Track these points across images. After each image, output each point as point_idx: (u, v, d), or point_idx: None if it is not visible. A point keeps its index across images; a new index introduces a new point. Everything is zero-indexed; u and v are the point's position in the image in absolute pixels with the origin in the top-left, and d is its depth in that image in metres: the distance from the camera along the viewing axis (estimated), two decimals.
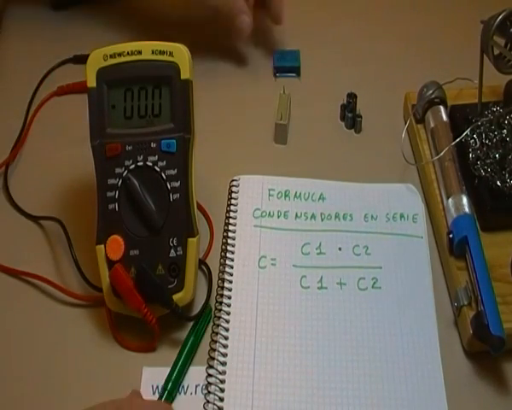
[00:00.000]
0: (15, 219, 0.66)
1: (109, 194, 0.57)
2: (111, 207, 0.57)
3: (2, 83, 0.77)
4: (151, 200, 0.57)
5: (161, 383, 0.55)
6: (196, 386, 0.55)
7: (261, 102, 0.74)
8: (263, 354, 0.56)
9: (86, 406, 0.54)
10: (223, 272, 0.61)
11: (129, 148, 0.57)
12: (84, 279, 0.60)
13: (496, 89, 0.70)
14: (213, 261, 0.62)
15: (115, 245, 0.56)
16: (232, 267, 0.61)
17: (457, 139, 0.65)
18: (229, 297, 0.59)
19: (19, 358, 0.57)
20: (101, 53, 0.57)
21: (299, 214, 0.65)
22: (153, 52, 0.57)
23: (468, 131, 0.65)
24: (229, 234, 0.63)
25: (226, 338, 0.57)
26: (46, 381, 0.56)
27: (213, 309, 0.59)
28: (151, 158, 0.57)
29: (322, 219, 0.65)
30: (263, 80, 0.77)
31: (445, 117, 0.68)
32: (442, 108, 0.69)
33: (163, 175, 0.57)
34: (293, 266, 0.62)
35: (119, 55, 0.57)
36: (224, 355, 0.56)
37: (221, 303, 0.59)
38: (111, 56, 0.57)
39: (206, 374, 0.55)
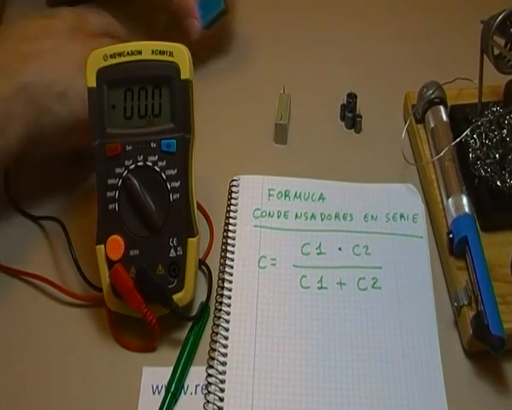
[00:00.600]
0: (15, 218, 0.66)
1: (109, 194, 0.57)
2: (111, 207, 0.57)
3: None
4: (151, 200, 0.57)
5: (161, 383, 0.55)
6: (196, 386, 0.55)
7: (261, 102, 0.74)
8: (263, 354, 0.56)
9: (86, 406, 0.55)
10: (223, 272, 0.61)
11: (129, 148, 0.57)
12: (84, 279, 0.60)
13: (496, 89, 0.70)
14: (213, 261, 0.62)
15: (115, 245, 0.56)
16: (232, 267, 0.61)
17: (457, 139, 0.65)
18: (229, 297, 0.59)
19: (18, 358, 0.57)
20: (101, 53, 0.57)
21: (299, 214, 0.65)
22: (153, 52, 0.57)
23: (468, 131, 0.65)
24: (229, 234, 0.63)
25: (226, 338, 0.57)
26: (46, 381, 0.56)
27: (213, 309, 0.59)
28: (151, 158, 0.57)
29: (322, 219, 0.65)
30: (263, 80, 0.77)
31: (445, 117, 0.68)
32: (442, 108, 0.69)
33: (163, 175, 0.57)
34: (293, 266, 0.62)
35: (119, 55, 0.57)
36: (224, 355, 0.56)
37: (221, 303, 0.59)
38: (111, 56, 0.57)
39: (206, 374, 0.55)
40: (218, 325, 0.58)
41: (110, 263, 0.56)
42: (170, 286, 0.56)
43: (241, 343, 0.57)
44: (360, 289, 0.60)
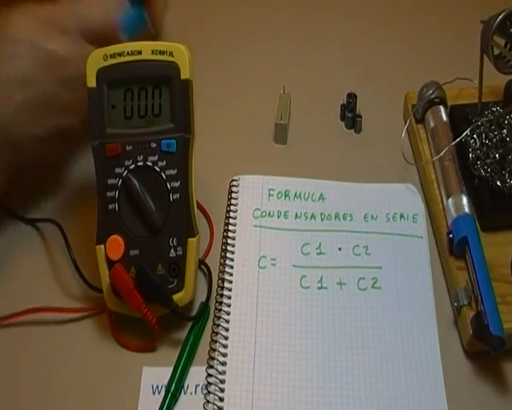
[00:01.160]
0: (10, 221, 0.66)
1: (109, 194, 0.57)
2: (111, 207, 0.57)
3: None
4: (151, 200, 0.57)
5: (161, 383, 0.55)
6: (196, 386, 0.55)
7: (261, 102, 0.74)
8: (263, 354, 0.56)
9: (86, 406, 0.55)
10: (223, 272, 0.61)
11: (129, 148, 0.57)
12: (83, 280, 0.60)
13: (496, 89, 0.70)
14: (213, 261, 0.62)
15: (115, 245, 0.56)
16: (232, 267, 0.61)
17: (457, 139, 0.65)
18: (229, 297, 0.59)
19: (18, 357, 0.57)
20: (101, 53, 0.57)
21: (299, 214, 0.65)
22: (153, 52, 0.57)
23: (468, 131, 0.65)
24: (229, 234, 0.63)
25: (226, 338, 0.57)
26: (46, 381, 0.56)
27: (213, 309, 0.59)
28: (151, 158, 0.57)
29: (322, 219, 0.65)
30: (263, 80, 0.77)
31: (445, 117, 0.68)
32: (442, 108, 0.69)
33: (163, 175, 0.57)
34: (293, 266, 0.62)
35: (119, 55, 0.57)
36: (224, 355, 0.56)
37: (221, 303, 0.59)
38: (111, 56, 0.57)
39: (206, 374, 0.55)
40: (218, 325, 0.58)
41: (110, 263, 0.56)
42: (170, 286, 0.56)
43: (241, 343, 0.57)
44: (360, 289, 0.60)
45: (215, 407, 0.54)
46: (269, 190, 0.66)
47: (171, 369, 0.56)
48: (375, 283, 0.61)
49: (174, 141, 0.57)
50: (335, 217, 0.65)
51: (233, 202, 0.65)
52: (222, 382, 0.55)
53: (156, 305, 0.56)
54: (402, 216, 0.65)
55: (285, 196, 0.66)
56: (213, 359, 0.56)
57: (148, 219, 0.56)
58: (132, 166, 0.57)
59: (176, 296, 0.56)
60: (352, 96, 0.73)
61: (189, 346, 0.57)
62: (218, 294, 0.60)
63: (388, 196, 0.66)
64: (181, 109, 0.57)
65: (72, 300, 0.60)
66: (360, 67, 0.78)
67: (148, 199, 0.57)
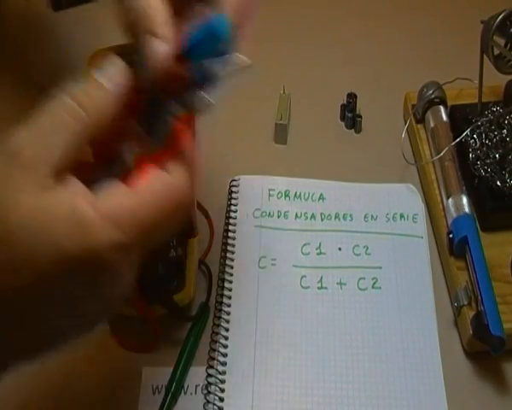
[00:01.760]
0: None
1: None
2: None
3: (1, 82, 0.77)
4: None
5: (161, 383, 0.55)
6: (196, 386, 0.55)
7: (261, 102, 0.74)
8: (263, 354, 0.56)
9: (87, 406, 0.54)
10: (223, 272, 0.61)
11: None
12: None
13: (496, 89, 0.70)
14: (213, 261, 0.62)
15: None
16: (232, 267, 0.61)
17: (457, 139, 0.65)
18: (230, 297, 0.59)
19: None
20: (101, 53, 0.57)
21: (299, 214, 0.65)
22: None
23: (468, 131, 0.65)
24: (229, 234, 0.63)
25: (226, 338, 0.57)
26: (46, 380, 0.56)
27: (213, 309, 0.59)
28: None
29: (322, 219, 0.65)
30: (263, 80, 0.77)
31: (445, 117, 0.68)
32: (442, 108, 0.69)
33: None
34: (293, 266, 0.62)
35: (119, 55, 0.57)
36: (224, 355, 0.56)
37: (221, 303, 0.59)
38: None
39: (206, 374, 0.55)
40: (218, 325, 0.58)
41: None
42: (170, 286, 0.56)
43: (241, 343, 0.57)
44: (360, 289, 0.60)
45: (215, 407, 0.54)
46: (269, 190, 0.66)
47: (171, 369, 0.56)
48: (375, 283, 0.61)
49: None
50: (335, 217, 0.65)
51: (233, 202, 0.65)
52: (222, 382, 0.55)
53: (156, 305, 0.56)
54: (402, 216, 0.65)
55: (285, 196, 0.66)
56: (213, 359, 0.56)
57: None
58: None
59: (176, 296, 0.56)
60: (352, 96, 0.73)
61: (188, 346, 0.57)
62: (218, 294, 0.60)
63: (388, 196, 0.66)
64: None
65: None
66: (360, 67, 0.78)
67: None
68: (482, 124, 0.66)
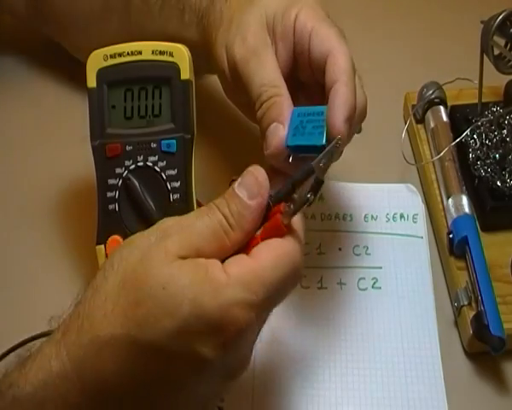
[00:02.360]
0: (15, 219, 0.66)
1: (109, 194, 0.57)
2: (111, 207, 0.57)
3: (1, 83, 0.77)
4: (151, 200, 0.56)
5: None
6: None
7: None
8: (263, 354, 0.56)
9: None
10: None
11: (129, 148, 0.57)
12: None
13: (496, 89, 0.70)
14: None
15: (115, 245, 0.56)
16: None
17: (457, 139, 0.65)
18: None
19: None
20: (102, 53, 0.57)
21: None
22: (153, 52, 0.57)
23: (468, 132, 0.65)
24: None
25: None
26: None
27: None
28: (151, 158, 0.57)
29: (322, 219, 0.65)
30: None
31: (445, 117, 0.68)
32: (442, 108, 0.69)
33: (163, 175, 0.57)
34: None
35: (119, 55, 0.57)
36: None
37: None
38: (111, 56, 0.57)
39: None
40: None
41: None
42: None
43: None
44: (360, 289, 0.60)
45: (216, 407, 0.54)
46: None
47: None
48: (375, 283, 0.61)
49: (174, 141, 0.57)
50: (335, 217, 0.65)
51: None
52: None
53: None
54: (402, 216, 0.65)
55: None
56: None
57: (148, 219, 0.56)
58: (132, 166, 0.57)
59: None
60: None
61: None
62: None
63: (388, 196, 0.66)
64: (181, 109, 0.57)
65: None
66: (360, 67, 0.78)
67: (148, 199, 0.56)
68: (482, 124, 0.66)
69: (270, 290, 0.41)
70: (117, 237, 0.56)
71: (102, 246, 0.57)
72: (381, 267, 0.62)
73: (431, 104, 0.69)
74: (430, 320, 0.59)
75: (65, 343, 0.41)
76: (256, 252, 0.41)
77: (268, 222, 0.43)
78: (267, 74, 0.51)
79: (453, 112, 0.69)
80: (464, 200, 0.62)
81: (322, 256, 0.62)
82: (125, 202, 0.57)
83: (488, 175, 0.63)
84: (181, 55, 0.57)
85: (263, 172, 0.45)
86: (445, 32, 0.82)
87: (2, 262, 0.63)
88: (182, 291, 0.39)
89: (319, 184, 0.43)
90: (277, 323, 0.58)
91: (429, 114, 0.69)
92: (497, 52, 0.64)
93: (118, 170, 0.57)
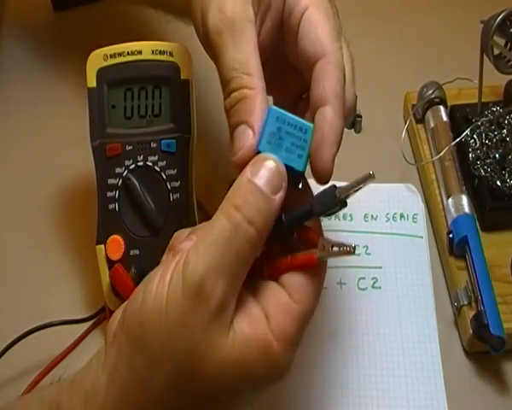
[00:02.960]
0: (15, 218, 0.66)
1: (109, 194, 0.57)
2: (111, 207, 0.57)
3: (1, 83, 0.77)
4: (151, 200, 0.57)
5: None
6: None
7: None
8: None
9: None
10: None
11: (129, 148, 0.57)
12: None
13: (496, 89, 0.70)
14: None
15: (115, 245, 0.56)
16: None
17: (457, 139, 0.65)
18: None
19: (17, 356, 0.57)
20: (102, 53, 0.57)
21: None
22: (153, 52, 0.57)
23: (468, 131, 0.65)
24: None
25: None
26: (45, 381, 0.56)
27: None
28: (151, 158, 0.57)
29: (322, 219, 0.64)
30: None
31: (445, 117, 0.68)
32: (442, 108, 0.69)
33: (163, 175, 0.57)
34: None
35: (119, 55, 0.57)
36: None
37: None
38: (111, 56, 0.57)
39: None
40: None
41: (110, 263, 0.56)
42: None
43: None
44: (360, 289, 0.60)
45: None
46: None
47: None
48: (375, 283, 0.61)
49: (174, 141, 0.57)
50: (335, 217, 0.65)
51: None
52: None
53: None
54: (402, 216, 0.65)
55: None
56: None
57: (148, 219, 0.56)
58: (132, 166, 0.57)
59: None
60: None
61: None
62: None
63: (388, 196, 0.66)
64: (181, 109, 0.57)
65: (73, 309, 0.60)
66: (360, 67, 0.78)
67: (148, 199, 0.57)
68: (482, 124, 0.66)
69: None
70: (117, 236, 0.56)
71: (102, 246, 0.57)
72: (380, 267, 0.62)
73: (431, 104, 0.69)
74: (430, 320, 0.59)
75: None
76: (297, 295, 0.41)
77: (303, 256, 0.42)
78: (241, 56, 0.43)
79: (453, 112, 0.69)
80: (464, 200, 0.62)
81: None
82: (125, 201, 0.57)
83: (488, 175, 0.63)
84: (181, 55, 0.57)
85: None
86: (445, 32, 0.82)
87: (2, 262, 0.63)
88: (240, 378, 0.39)
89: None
90: None
91: (429, 113, 0.69)
92: (497, 52, 0.64)
93: (118, 170, 0.57)
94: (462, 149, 0.65)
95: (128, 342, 0.39)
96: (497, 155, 0.64)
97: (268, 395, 0.54)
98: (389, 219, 0.65)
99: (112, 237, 0.56)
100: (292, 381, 0.55)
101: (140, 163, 0.57)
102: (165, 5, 0.76)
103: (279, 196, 0.40)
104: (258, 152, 0.42)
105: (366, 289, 0.60)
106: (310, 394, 0.55)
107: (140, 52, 0.57)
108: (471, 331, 0.56)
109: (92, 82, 0.57)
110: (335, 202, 0.42)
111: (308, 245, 0.42)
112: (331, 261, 0.62)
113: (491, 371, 0.56)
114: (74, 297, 0.61)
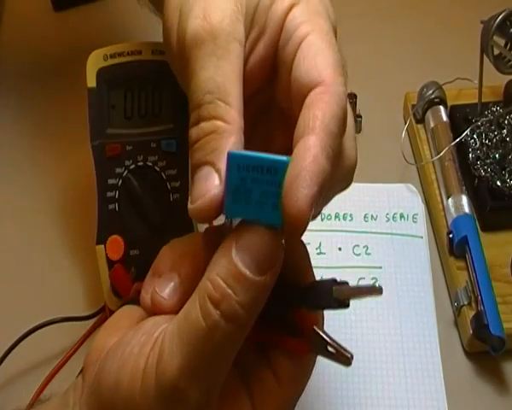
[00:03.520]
0: (15, 218, 0.66)
1: (109, 194, 0.57)
2: (111, 207, 0.57)
3: (1, 83, 0.77)
4: (151, 200, 0.57)
5: None
6: None
7: None
8: None
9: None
10: None
11: (129, 148, 0.57)
12: None
13: (496, 89, 0.70)
14: None
15: (115, 245, 0.56)
16: None
17: (457, 139, 0.65)
18: None
19: (18, 356, 0.57)
20: (102, 53, 0.57)
21: None
22: (153, 52, 0.57)
23: (468, 131, 0.65)
24: None
25: None
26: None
27: None
28: (151, 158, 0.57)
29: (322, 219, 0.65)
30: None
31: (444, 117, 0.68)
32: (442, 108, 0.69)
33: (163, 175, 0.57)
34: None
35: (119, 54, 0.57)
36: None
37: None
38: (111, 56, 0.57)
39: None
40: None
41: (110, 263, 0.56)
42: None
43: None
44: None
45: None
46: None
47: None
48: (374, 283, 0.61)
49: (174, 141, 0.57)
50: (335, 217, 0.65)
51: None
52: None
53: None
54: (402, 216, 0.65)
55: None
56: None
57: (148, 219, 0.56)
58: (132, 166, 0.57)
59: None
60: (352, 96, 0.73)
61: None
62: None
63: (388, 196, 0.66)
64: (181, 109, 0.57)
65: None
66: (360, 67, 0.78)
67: (149, 199, 0.57)
68: (482, 124, 0.66)
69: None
70: (117, 236, 0.56)
71: (102, 246, 0.57)
72: (380, 267, 0.62)
73: (431, 104, 0.69)
74: (430, 320, 0.59)
75: None
76: (284, 381, 0.38)
77: (295, 342, 0.39)
78: (221, 78, 0.35)
79: (453, 112, 0.69)
80: (464, 200, 0.62)
81: (322, 256, 0.62)
82: (124, 201, 0.57)
83: (488, 175, 0.63)
84: None
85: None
86: (445, 32, 0.82)
87: (2, 262, 0.63)
88: None
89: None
90: None
91: (429, 113, 0.69)
92: (497, 52, 0.64)
93: (118, 170, 0.57)
94: (462, 149, 0.65)
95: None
96: (497, 155, 0.64)
97: None
98: (389, 220, 0.65)
99: (112, 237, 0.56)
100: None
101: (140, 163, 0.57)
102: None
103: (270, 275, 0.33)
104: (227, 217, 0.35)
105: None
106: (309, 394, 0.55)
107: (140, 52, 0.57)
108: (471, 331, 0.56)
109: (92, 82, 0.57)
110: (329, 301, 0.37)
111: (303, 326, 0.39)
112: (330, 259, 0.62)
113: (491, 371, 0.56)
114: (74, 297, 0.61)
